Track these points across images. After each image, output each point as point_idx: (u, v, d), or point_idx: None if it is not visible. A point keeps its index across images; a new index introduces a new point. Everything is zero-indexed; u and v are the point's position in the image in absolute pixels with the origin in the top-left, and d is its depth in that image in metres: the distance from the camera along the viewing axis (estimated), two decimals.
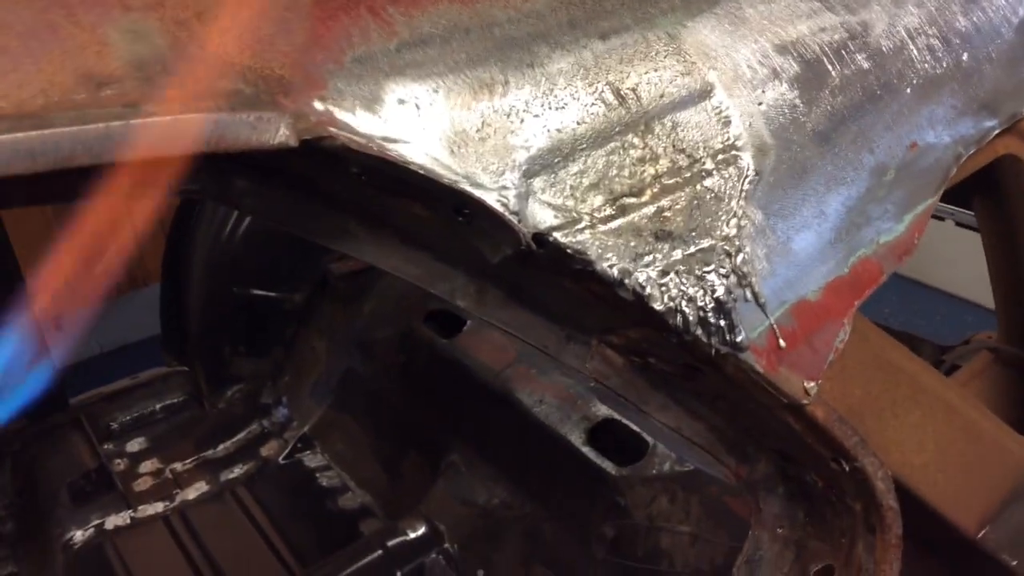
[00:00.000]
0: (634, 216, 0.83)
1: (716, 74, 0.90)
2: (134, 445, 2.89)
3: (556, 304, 0.91)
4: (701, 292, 0.84)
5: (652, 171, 0.84)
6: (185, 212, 2.77)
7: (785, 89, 0.94)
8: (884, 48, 1.03)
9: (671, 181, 0.85)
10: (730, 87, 0.90)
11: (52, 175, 0.57)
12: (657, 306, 0.82)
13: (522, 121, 0.79)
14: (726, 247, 0.86)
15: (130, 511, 2.64)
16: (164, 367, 3.04)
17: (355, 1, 0.73)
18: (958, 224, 4.26)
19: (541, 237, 0.78)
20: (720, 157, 0.88)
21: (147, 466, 2.85)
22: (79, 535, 2.52)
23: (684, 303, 0.83)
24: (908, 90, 1.03)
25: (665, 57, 0.88)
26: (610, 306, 0.85)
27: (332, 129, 0.69)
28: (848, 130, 0.97)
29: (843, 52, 0.99)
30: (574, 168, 0.81)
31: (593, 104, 0.83)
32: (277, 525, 2.60)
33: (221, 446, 2.90)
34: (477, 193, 0.74)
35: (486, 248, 0.80)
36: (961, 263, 4.30)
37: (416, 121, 0.73)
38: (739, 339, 0.85)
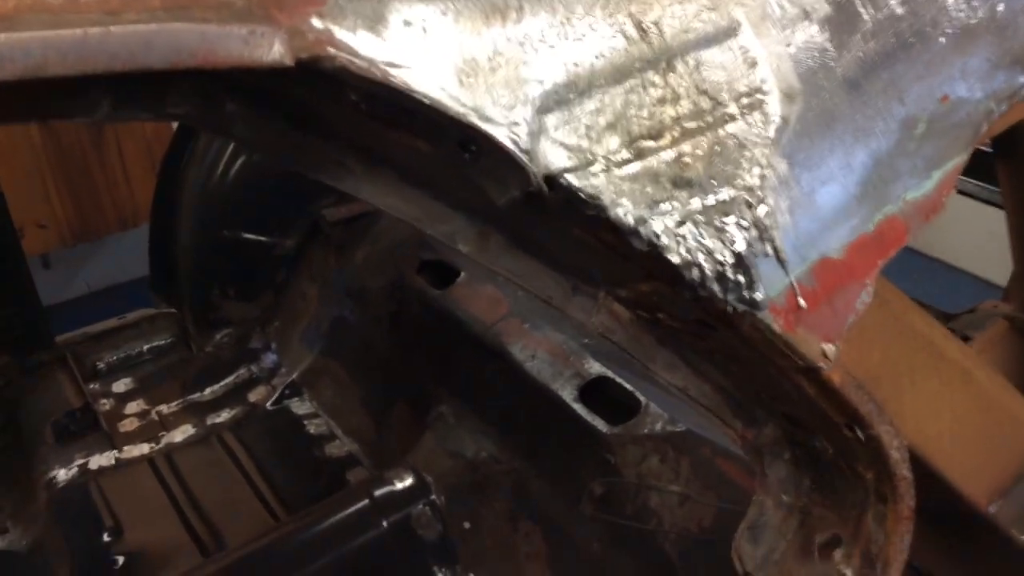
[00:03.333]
0: (652, 160, 0.77)
1: (743, 11, 0.84)
2: (120, 386, 2.86)
3: (563, 253, 0.86)
4: (720, 245, 0.78)
5: (672, 113, 0.79)
6: (176, 152, 2.70)
7: (815, 31, 0.88)
8: None
9: (692, 124, 0.80)
10: (758, 25, 0.84)
11: (27, 86, 0.52)
12: (673, 258, 0.76)
13: (536, 52, 0.73)
14: (748, 198, 0.81)
15: (115, 451, 2.62)
16: (152, 308, 3.00)
17: None
18: (959, 192, 4.21)
19: (552, 179, 0.72)
20: (745, 101, 0.82)
21: (133, 407, 2.83)
22: (63, 474, 2.50)
23: (701, 256, 0.77)
24: (942, 39, 0.97)
25: None
26: (621, 257, 0.79)
27: (331, 49, 0.63)
28: (879, 78, 0.91)
29: None
30: (590, 106, 0.75)
31: (613, 37, 0.76)
32: (263, 471, 2.58)
33: (208, 390, 2.88)
34: (486, 128, 0.69)
35: (492, 189, 0.75)
36: (960, 233, 4.26)
37: (423, 45, 0.67)
38: (758, 297, 0.80)
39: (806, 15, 0.87)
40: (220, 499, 2.48)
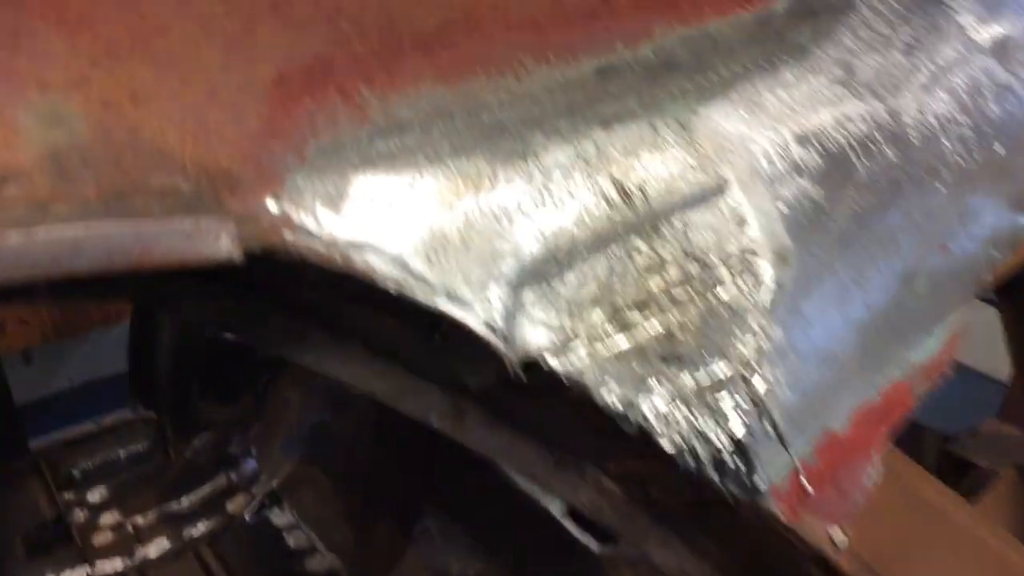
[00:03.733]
0: (639, 334, 0.71)
1: (731, 168, 0.79)
2: (95, 495, 2.76)
3: (547, 427, 0.80)
4: (716, 427, 0.72)
5: (660, 281, 0.73)
6: None
7: (807, 185, 0.83)
8: (913, 139, 0.92)
9: (681, 292, 0.74)
10: (746, 183, 0.80)
11: None
12: (664, 444, 0.70)
13: (512, 222, 0.67)
14: (744, 372, 0.75)
15: (87, 567, 2.51)
16: (131, 409, 2.93)
17: (322, 81, 0.62)
18: None
19: (531, 362, 0.67)
20: (736, 263, 0.77)
21: (108, 518, 2.72)
22: None
23: (696, 441, 0.71)
24: (939, 185, 0.93)
25: (675, 148, 0.77)
26: (609, 435, 0.73)
27: (287, 235, 0.57)
28: (874, 232, 0.87)
29: (870, 143, 0.89)
30: (571, 278, 0.69)
31: (594, 203, 0.71)
32: None
33: (185, 499, 2.77)
34: (456, 311, 0.63)
35: (465, 373, 0.69)
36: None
37: (389, 222, 0.62)
38: (760, 484, 0.73)
39: (797, 169, 0.83)
40: None
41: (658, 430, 0.70)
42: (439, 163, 0.66)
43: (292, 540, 2.68)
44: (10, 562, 2.49)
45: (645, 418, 0.70)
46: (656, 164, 0.75)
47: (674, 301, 0.74)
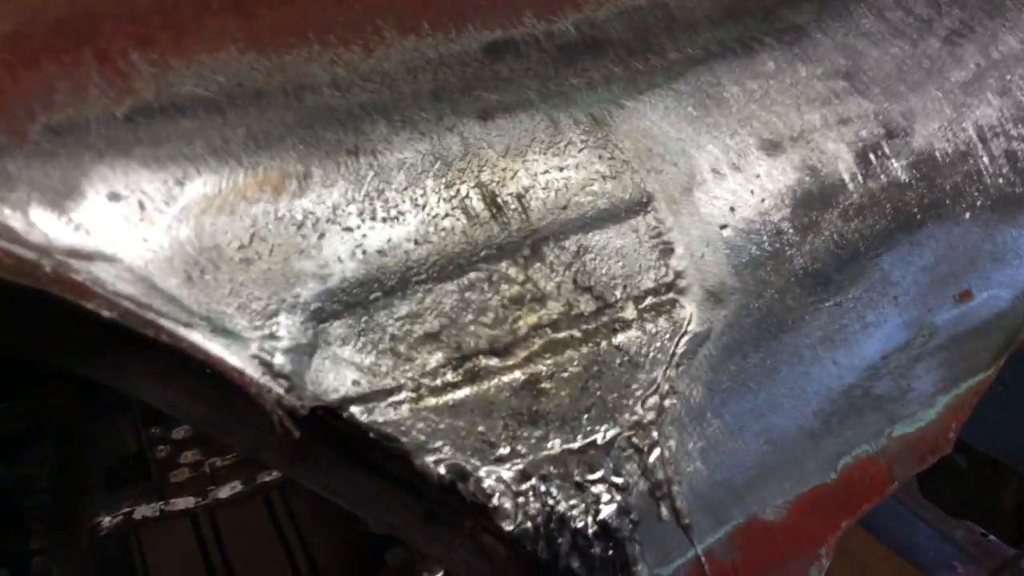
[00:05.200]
0: (490, 385, 0.56)
1: (658, 180, 0.62)
2: (180, 432, 2.83)
3: (405, 472, 0.65)
4: (581, 509, 0.56)
5: (532, 319, 0.57)
6: None
7: (768, 206, 0.65)
8: (938, 153, 0.72)
9: (562, 335, 0.58)
10: (676, 200, 0.62)
11: None
12: (507, 526, 0.55)
13: (321, 235, 0.53)
14: (635, 439, 0.58)
15: (161, 503, 2.58)
16: None
17: (76, 39, 0.49)
18: None
19: (332, 411, 0.52)
20: (648, 302, 0.60)
21: (188, 456, 2.80)
22: (107, 521, 2.47)
23: (551, 524, 0.56)
24: (966, 214, 0.73)
25: (581, 151, 0.60)
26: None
27: None
28: (863, 270, 0.68)
29: (872, 156, 0.69)
30: (401, 310, 0.54)
31: (447, 215, 0.56)
32: (302, 539, 2.49)
33: None
34: (214, 347, 0.49)
35: (255, 418, 0.55)
36: None
37: (135, 227, 0.49)
38: None
39: (756, 185, 0.65)
40: (253, 565, 2.41)
41: (500, 508, 0.55)
42: (226, 155, 0.52)
43: None
44: (92, 492, 2.57)
45: (484, 492, 0.54)
46: (549, 170, 0.59)
47: (549, 345, 0.58)
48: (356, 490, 0.67)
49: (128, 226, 0.49)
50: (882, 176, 0.69)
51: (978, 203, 0.73)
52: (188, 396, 0.63)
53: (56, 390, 2.79)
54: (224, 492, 2.63)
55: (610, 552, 0.57)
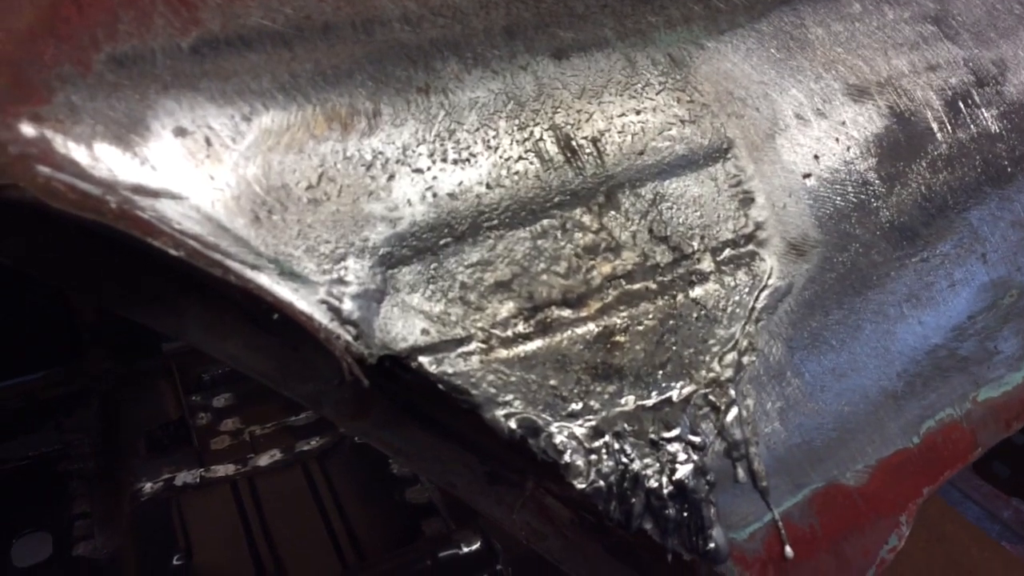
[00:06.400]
0: (563, 338, 0.54)
1: (739, 125, 0.59)
2: (220, 400, 2.88)
3: (468, 431, 0.63)
4: (655, 468, 0.54)
5: (607, 267, 0.55)
6: None
7: (854, 155, 0.62)
8: None
9: (637, 286, 0.55)
10: (759, 147, 0.59)
11: None
12: (579, 484, 0.53)
13: (391, 176, 0.50)
14: (712, 396, 0.56)
15: (201, 470, 2.63)
16: None
17: None
18: None
19: (400, 361, 0.50)
20: (726, 254, 0.58)
21: (228, 424, 2.84)
22: (148, 487, 2.51)
23: (624, 483, 0.53)
24: None
25: (658, 93, 0.57)
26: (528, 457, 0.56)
27: (41, 169, 0.43)
28: (951, 224, 0.64)
29: (962, 104, 0.66)
30: (472, 255, 0.52)
31: (520, 159, 0.53)
32: (340, 507, 2.52)
33: (304, 414, 2.84)
34: (282, 290, 0.47)
35: (322, 365, 0.53)
36: None
37: (201, 163, 0.47)
38: (712, 545, 0.55)
39: (842, 132, 0.62)
40: (292, 532, 2.44)
41: (572, 465, 0.52)
42: (294, 91, 0.49)
43: (396, 468, 2.67)
44: (134, 458, 2.61)
45: (556, 449, 0.52)
46: (626, 112, 0.56)
47: (624, 297, 0.55)
48: (417, 448, 0.65)
49: (194, 163, 0.47)
50: (972, 126, 0.66)
51: None
52: (248, 348, 0.61)
53: (99, 357, 2.83)
54: (263, 460, 2.67)
55: (685, 514, 0.54)
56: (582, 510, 0.66)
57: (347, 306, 0.49)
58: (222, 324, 0.60)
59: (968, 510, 3.10)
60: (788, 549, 0.57)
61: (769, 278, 0.58)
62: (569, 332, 0.54)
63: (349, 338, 0.49)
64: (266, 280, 0.47)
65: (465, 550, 2.16)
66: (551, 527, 0.66)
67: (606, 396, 0.54)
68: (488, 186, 0.52)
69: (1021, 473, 1.76)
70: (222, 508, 2.53)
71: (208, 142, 0.47)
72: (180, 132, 0.47)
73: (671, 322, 0.56)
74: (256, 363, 0.61)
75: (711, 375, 0.56)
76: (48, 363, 2.75)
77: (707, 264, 0.57)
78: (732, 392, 0.56)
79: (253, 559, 2.33)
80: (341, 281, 0.49)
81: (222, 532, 2.44)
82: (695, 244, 0.57)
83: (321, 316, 0.48)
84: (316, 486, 2.62)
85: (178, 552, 2.29)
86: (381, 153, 0.50)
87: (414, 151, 0.51)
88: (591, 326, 0.54)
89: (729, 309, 0.57)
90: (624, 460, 0.53)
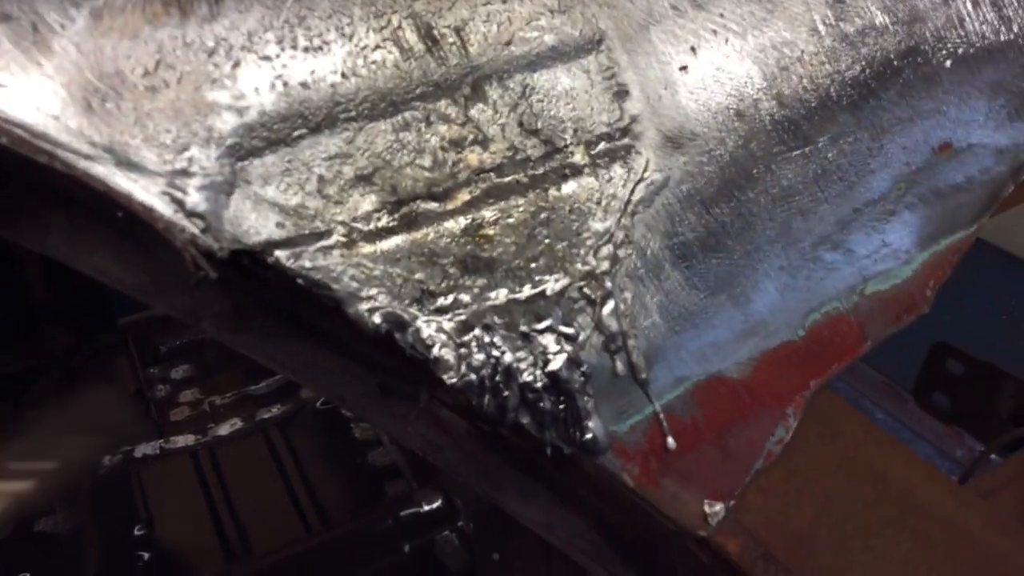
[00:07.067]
0: (430, 231, 0.52)
1: (612, 15, 0.58)
2: (179, 372, 2.85)
3: (354, 340, 0.62)
4: (528, 361, 0.53)
5: (474, 160, 0.54)
6: None
7: (732, 48, 0.61)
8: None
9: (507, 179, 0.54)
10: (634, 39, 0.58)
11: None
12: (449, 378, 0.52)
13: (235, 64, 0.49)
14: (587, 289, 0.55)
15: (161, 441, 2.60)
16: None
17: None
18: None
19: (254, 256, 0.49)
20: (600, 147, 0.56)
21: (187, 395, 2.81)
22: (107, 460, 2.48)
23: (496, 376, 0.52)
24: (948, 63, 0.68)
25: None
26: (402, 357, 0.55)
27: None
28: (834, 118, 0.64)
29: None
30: (329, 147, 0.50)
31: (377, 47, 0.52)
32: (303, 473, 2.51)
33: (264, 382, 2.82)
34: (119, 180, 0.45)
35: (175, 264, 0.51)
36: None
37: (27, 51, 0.45)
38: (589, 436, 0.54)
39: (719, 22, 0.60)
40: (254, 500, 2.43)
41: (442, 360, 0.51)
42: None
43: (359, 432, 2.66)
44: None
45: (424, 343, 0.51)
46: (491, 1, 0.55)
47: (492, 190, 0.54)
48: (303, 361, 0.63)
49: (20, 50, 0.45)
50: (856, 18, 0.65)
51: (959, 51, 0.69)
52: (116, 260, 0.59)
53: (54, 332, 2.78)
54: (224, 429, 2.65)
55: (561, 406, 0.54)
56: (477, 420, 0.65)
57: (192, 198, 0.47)
58: (87, 237, 0.58)
59: (920, 448, 3.13)
60: (670, 440, 0.57)
61: (645, 171, 0.57)
62: (436, 226, 0.52)
63: (195, 231, 0.47)
64: (101, 170, 0.45)
65: (426, 508, 2.16)
66: (447, 439, 0.66)
67: (476, 290, 0.53)
68: (343, 75, 0.51)
69: (959, 403, 1.78)
70: (183, 478, 2.51)
71: (35, 27, 0.45)
72: (4, 18, 0.44)
73: (543, 215, 0.55)
74: (126, 276, 0.59)
75: (586, 268, 0.55)
76: (2, 340, 2.71)
77: (580, 157, 0.56)
78: (608, 284, 0.55)
79: (215, 527, 2.32)
80: (184, 172, 0.47)
81: (183, 502, 2.42)
82: (567, 137, 0.56)
83: (163, 208, 0.46)
84: (278, 453, 2.61)
85: (139, 523, 2.27)
86: (224, 39, 0.49)
87: (260, 37, 0.49)
88: (459, 219, 0.53)
89: (604, 202, 0.56)
90: (495, 353, 0.52)
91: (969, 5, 0.69)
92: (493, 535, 2.16)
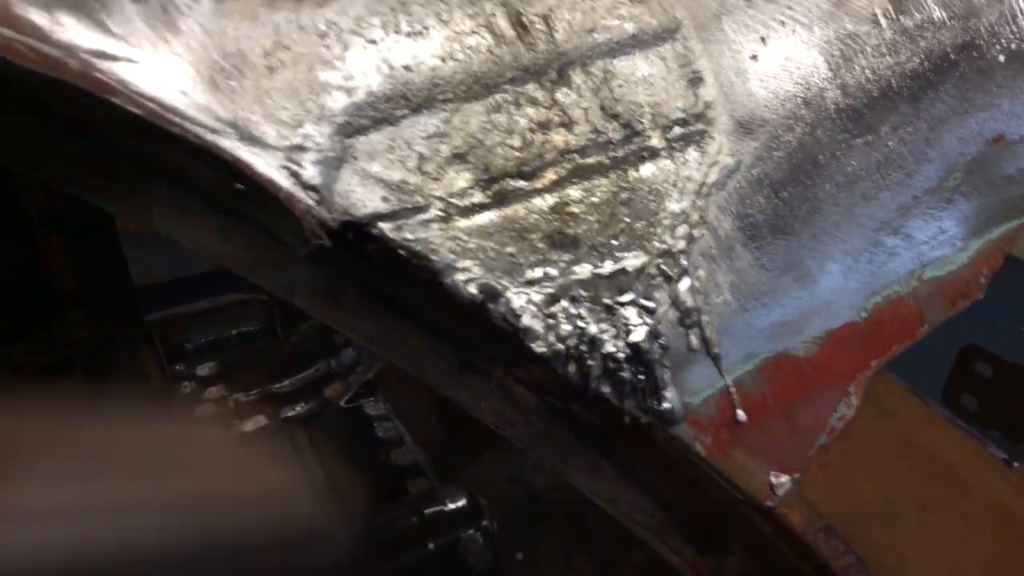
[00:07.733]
0: (519, 208, 0.55)
1: (687, 5, 0.61)
2: (204, 369, 2.86)
3: (439, 316, 0.65)
4: (611, 332, 0.56)
5: (559, 141, 0.57)
6: None
7: (803, 36, 0.64)
8: None
9: (590, 160, 0.57)
10: (708, 28, 0.61)
11: None
12: (537, 347, 0.55)
13: (346, 47, 0.52)
14: (664, 266, 0.58)
15: None
16: (246, 291, 3.00)
17: None
18: None
19: (361, 228, 0.52)
20: (676, 132, 0.59)
21: (212, 392, 2.83)
22: None
23: (582, 346, 0.55)
24: (1001, 58, 0.71)
25: None
26: (488, 330, 0.58)
27: (2, 31, 0.44)
28: (895, 107, 0.66)
29: None
30: (428, 127, 0.54)
31: (472, 33, 0.55)
32: (326, 472, 2.53)
33: (287, 380, 2.85)
34: (244, 153, 0.49)
35: (285, 235, 0.55)
36: None
37: (158, 29, 0.48)
38: (667, 406, 0.57)
39: (787, 14, 0.63)
40: None
41: (530, 328, 0.54)
42: None
43: (381, 431, 2.69)
44: None
45: (514, 313, 0.54)
46: None
47: (577, 170, 0.57)
48: (390, 337, 0.66)
49: (151, 29, 0.48)
50: (915, 13, 0.68)
51: (1012, 46, 0.71)
52: (216, 235, 0.63)
53: (81, 325, 2.81)
54: (248, 427, 2.67)
55: (641, 376, 0.57)
56: (548, 396, 0.68)
57: (307, 172, 0.50)
58: (192, 213, 0.61)
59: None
60: (741, 413, 0.60)
61: (718, 155, 0.60)
62: (525, 202, 0.55)
63: (311, 202, 0.50)
64: (228, 144, 0.48)
65: (451, 506, 2.19)
66: (519, 414, 0.68)
67: (562, 264, 0.56)
68: (442, 59, 0.54)
69: (989, 405, 1.79)
70: None
71: (164, 8, 0.48)
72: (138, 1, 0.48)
73: (624, 195, 0.58)
74: (228, 252, 0.62)
75: (663, 246, 0.58)
76: (28, 332, 2.73)
77: (657, 141, 0.59)
78: (684, 262, 0.58)
79: None
80: (300, 147, 0.50)
81: None
82: (645, 122, 0.59)
83: (283, 180, 0.49)
84: (302, 451, 2.64)
85: None
86: (335, 23, 0.52)
87: (367, 22, 0.53)
88: (546, 197, 0.56)
89: (680, 184, 0.59)
90: (581, 324, 0.55)
91: (1022, 2, 0.72)
92: (517, 535, 2.19)
